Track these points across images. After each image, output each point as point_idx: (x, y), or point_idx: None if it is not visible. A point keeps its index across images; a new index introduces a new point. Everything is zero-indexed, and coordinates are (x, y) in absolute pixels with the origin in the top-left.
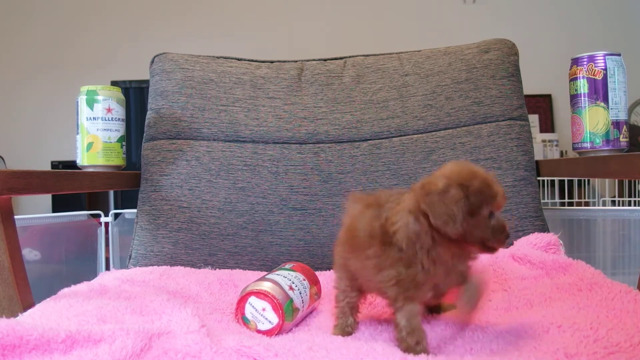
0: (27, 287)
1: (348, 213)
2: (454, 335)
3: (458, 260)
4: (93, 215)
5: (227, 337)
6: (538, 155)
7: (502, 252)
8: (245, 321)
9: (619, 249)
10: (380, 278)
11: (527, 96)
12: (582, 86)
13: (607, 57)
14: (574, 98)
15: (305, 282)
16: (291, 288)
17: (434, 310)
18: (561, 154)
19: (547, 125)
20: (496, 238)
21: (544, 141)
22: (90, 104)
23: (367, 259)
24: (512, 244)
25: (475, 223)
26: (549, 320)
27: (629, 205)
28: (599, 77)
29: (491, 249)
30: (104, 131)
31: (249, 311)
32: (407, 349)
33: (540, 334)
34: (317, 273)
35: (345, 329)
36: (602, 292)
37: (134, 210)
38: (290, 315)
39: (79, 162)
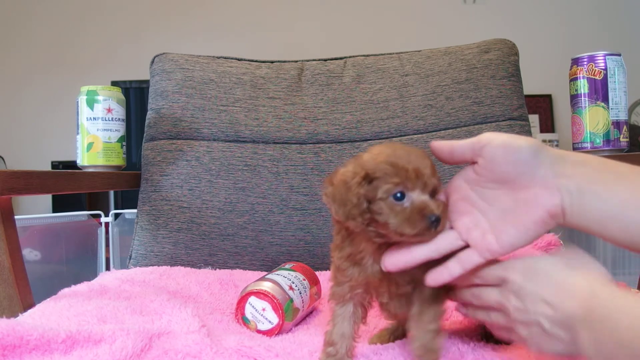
0: (27, 287)
1: None
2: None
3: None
4: (93, 216)
5: (227, 337)
6: None
7: None
8: (245, 321)
9: (619, 249)
10: None
11: (527, 96)
12: (583, 86)
13: (607, 57)
14: (574, 98)
15: (305, 282)
16: (291, 288)
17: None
18: None
19: (547, 125)
20: (408, 223)
21: (544, 141)
22: (91, 104)
23: None
24: None
25: (376, 209)
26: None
27: None
28: (599, 77)
29: (419, 241)
30: (104, 131)
31: (249, 311)
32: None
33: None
34: (317, 273)
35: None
36: None
37: (134, 211)
38: (290, 315)
39: (79, 162)
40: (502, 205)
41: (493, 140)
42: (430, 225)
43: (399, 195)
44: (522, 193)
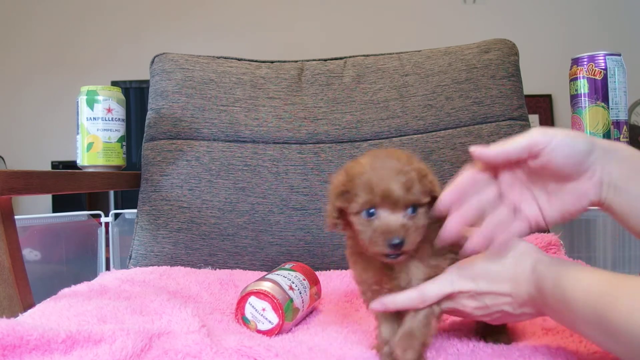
0: (27, 287)
1: None
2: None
3: (387, 266)
4: (93, 216)
5: (227, 337)
6: None
7: None
8: (245, 321)
9: (619, 249)
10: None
11: (527, 96)
12: (583, 86)
13: (607, 57)
14: (574, 98)
15: (305, 282)
16: (291, 288)
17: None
18: None
19: (547, 125)
20: (370, 242)
21: None
22: (91, 104)
23: None
24: None
25: (350, 224)
26: (548, 320)
27: None
28: (599, 77)
29: (388, 261)
30: (104, 131)
31: (249, 311)
32: (378, 354)
33: (540, 335)
34: (317, 273)
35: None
36: None
37: (134, 211)
38: (290, 315)
39: (79, 162)
40: (550, 192)
41: (552, 140)
42: (392, 247)
43: (371, 211)
44: (571, 184)
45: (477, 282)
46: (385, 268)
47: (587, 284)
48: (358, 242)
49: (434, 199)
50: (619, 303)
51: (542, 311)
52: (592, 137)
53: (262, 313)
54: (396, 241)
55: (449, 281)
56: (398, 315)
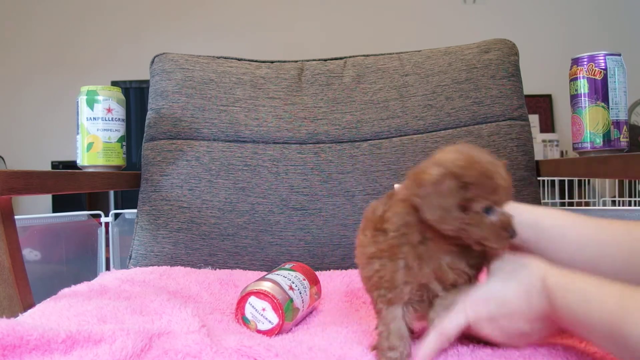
0: (27, 287)
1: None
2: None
3: (457, 259)
4: (93, 216)
5: (227, 337)
6: (538, 155)
7: None
8: (245, 321)
9: None
10: (364, 273)
11: (527, 96)
12: (583, 86)
13: (607, 57)
14: (574, 98)
15: (305, 282)
16: (291, 288)
17: None
18: (561, 154)
19: (547, 125)
20: (495, 237)
21: (544, 141)
22: (91, 104)
23: (361, 245)
24: None
25: (469, 219)
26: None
27: (629, 205)
28: (599, 77)
29: (491, 249)
30: (104, 131)
31: (249, 311)
32: (378, 354)
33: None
34: (317, 273)
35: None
36: None
37: (134, 211)
38: (290, 315)
39: (79, 162)
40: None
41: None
42: (508, 239)
43: (489, 209)
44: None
45: (489, 305)
46: (447, 264)
47: (599, 299)
48: (412, 238)
49: None
50: (632, 317)
51: (559, 325)
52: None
53: (262, 313)
54: (513, 231)
55: (463, 313)
56: (407, 319)
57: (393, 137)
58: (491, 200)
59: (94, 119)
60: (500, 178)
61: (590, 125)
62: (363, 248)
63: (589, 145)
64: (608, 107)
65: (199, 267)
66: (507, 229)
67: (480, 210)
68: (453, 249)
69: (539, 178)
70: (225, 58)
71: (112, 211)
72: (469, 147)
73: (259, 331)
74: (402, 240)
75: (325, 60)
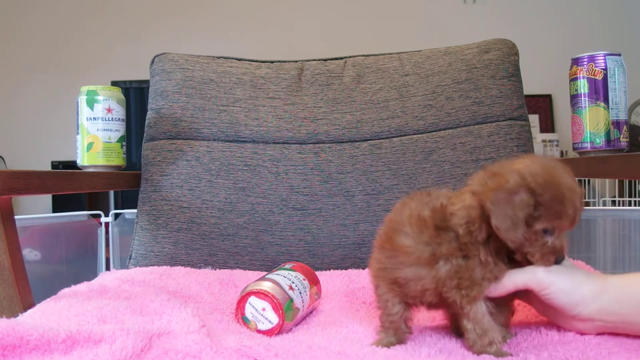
0: (27, 287)
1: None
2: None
3: (507, 265)
4: (93, 216)
5: (227, 337)
6: None
7: None
8: (245, 321)
9: (619, 249)
10: (436, 274)
11: (527, 96)
12: (583, 86)
13: (607, 57)
14: (574, 98)
15: (305, 282)
16: (291, 288)
17: None
18: (561, 154)
19: (547, 125)
20: (542, 258)
21: (544, 141)
22: (91, 104)
23: (411, 247)
24: None
25: (527, 235)
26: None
27: (629, 205)
28: (599, 77)
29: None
30: (104, 131)
31: (249, 311)
32: (480, 352)
33: (538, 335)
34: (317, 273)
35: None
36: None
37: (134, 211)
38: (290, 315)
39: (79, 162)
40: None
41: (553, 284)
42: (554, 264)
43: (548, 231)
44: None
45: (561, 275)
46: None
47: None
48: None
49: None
50: None
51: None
52: (602, 282)
53: (262, 313)
54: (562, 261)
55: (532, 274)
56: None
57: (393, 137)
58: (554, 224)
59: (94, 119)
60: (571, 207)
61: (590, 125)
62: (417, 248)
63: (589, 145)
64: (608, 107)
65: (199, 267)
66: (555, 254)
67: (539, 230)
68: (503, 256)
69: None
70: (225, 58)
71: (112, 211)
72: (554, 163)
73: (259, 331)
74: (473, 236)
75: (325, 60)
